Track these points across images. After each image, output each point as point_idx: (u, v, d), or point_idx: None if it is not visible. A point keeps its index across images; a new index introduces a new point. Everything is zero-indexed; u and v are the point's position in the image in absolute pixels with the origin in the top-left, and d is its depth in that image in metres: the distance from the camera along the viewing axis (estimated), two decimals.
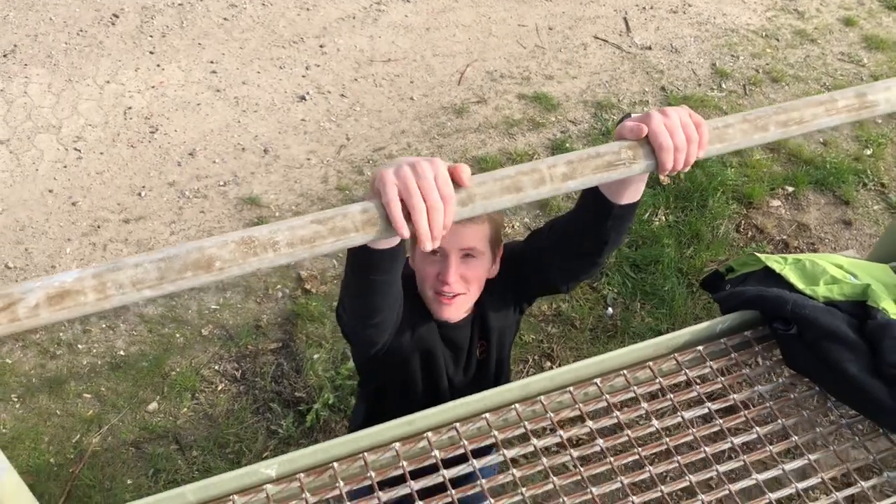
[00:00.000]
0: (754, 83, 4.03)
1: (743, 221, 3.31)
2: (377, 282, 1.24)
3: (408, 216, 0.88)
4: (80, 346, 2.76)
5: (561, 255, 1.42)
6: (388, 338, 1.43)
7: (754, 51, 4.25)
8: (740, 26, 4.42)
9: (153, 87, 3.74)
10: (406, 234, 0.89)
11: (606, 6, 4.46)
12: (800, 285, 1.30)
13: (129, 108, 3.62)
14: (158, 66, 3.85)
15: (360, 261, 1.20)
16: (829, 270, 1.29)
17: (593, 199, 1.26)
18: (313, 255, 0.87)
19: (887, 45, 4.32)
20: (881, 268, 1.37)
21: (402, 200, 0.88)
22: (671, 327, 2.89)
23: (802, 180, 3.45)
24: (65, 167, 3.34)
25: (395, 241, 1.14)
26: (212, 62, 3.90)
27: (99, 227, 3.12)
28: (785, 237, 3.26)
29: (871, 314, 1.22)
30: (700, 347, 1.28)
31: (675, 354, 1.26)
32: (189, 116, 3.61)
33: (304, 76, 3.87)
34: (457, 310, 1.48)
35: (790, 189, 3.45)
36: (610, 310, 2.96)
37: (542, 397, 1.20)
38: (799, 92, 3.99)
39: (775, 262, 1.35)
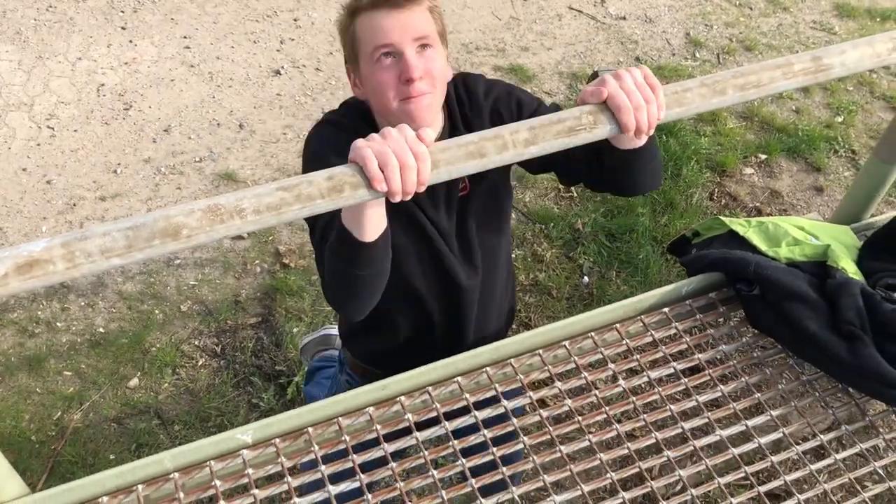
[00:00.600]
0: (728, 52, 4.05)
1: (716, 189, 3.35)
2: (363, 275, 1.19)
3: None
4: (58, 323, 2.76)
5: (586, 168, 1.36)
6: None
7: (728, 20, 4.27)
8: None
9: (126, 63, 3.70)
10: (382, 187, 0.93)
11: None
12: (763, 247, 1.33)
13: (102, 84, 3.59)
14: (131, 41, 3.81)
15: (348, 255, 1.15)
16: (791, 232, 1.33)
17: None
18: (280, 222, 0.89)
19: (858, 13, 4.35)
20: (842, 229, 1.40)
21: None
22: None
23: (775, 148, 3.49)
24: (38, 145, 3.31)
25: (380, 227, 1.12)
26: (185, 37, 3.86)
27: (75, 205, 3.11)
28: (758, 204, 3.30)
29: (831, 273, 1.26)
30: (666, 309, 1.31)
31: (642, 316, 1.30)
32: (163, 93, 3.59)
33: (278, 50, 3.85)
34: (427, 109, 1.28)
35: (763, 157, 3.49)
36: (586, 279, 3.00)
37: (513, 360, 1.23)
38: None
39: (739, 225, 1.38)
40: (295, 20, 4.02)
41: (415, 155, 0.95)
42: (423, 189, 0.97)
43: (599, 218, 3.17)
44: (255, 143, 3.41)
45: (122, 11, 3.95)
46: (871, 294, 1.21)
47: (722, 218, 1.41)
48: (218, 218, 0.84)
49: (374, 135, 0.98)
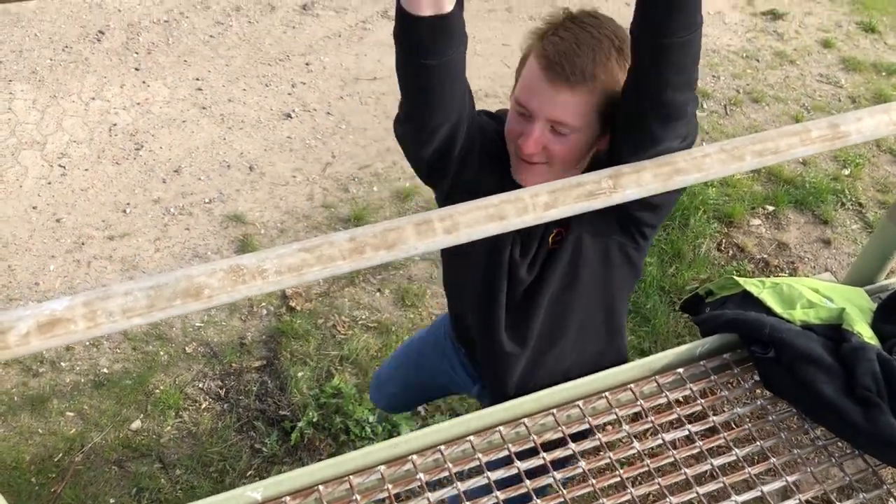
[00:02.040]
0: (735, 103, 4.09)
1: (724, 240, 3.35)
2: (430, 67, 1.11)
3: None
4: (63, 363, 2.75)
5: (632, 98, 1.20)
6: (449, 159, 1.27)
7: (735, 71, 4.32)
8: (721, 47, 4.48)
9: (138, 103, 3.74)
10: None
11: None
12: (777, 309, 1.33)
13: (115, 124, 3.62)
14: (144, 82, 3.86)
15: (408, 39, 1.09)
16: (806, 294, 1.32)
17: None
18: (301, 283, 0.89)
19: (864, 67, 4.40)
20: (856, 291, 1.40)
21: None
22: (654, 345, 2.92)
23: (782, 200, 3.51)
24: (49, 184, 3.34)
25: (443, 7, 1.04)
26: (197, 79, 3.91)
27: (83, 243, 3.12)
28: (765, 256, 3.30)
29: (846, 337, 1.25)
30: (680, 370, 1.30)
31: (656, 377, 1.29)
32: (174, 133, 3.62)
33: (290, 94, 3.89)
34: (534, 177, 1.28)
35: (770, 208, 3.50)
36: None
37: (526, 419, 1.22)
38: (779, 112, 4.06)
39: (753, 285, 1.38)
40: (307, 64, 4.07)
41: None
42: None
43: None
44: (264, 186, 3.43)
45: (137, 53, 4.00)
46: (888, 360, 1.20)
47: (736, 278, 1.41)
48: (240, 279, 0.84)
49: None
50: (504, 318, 1.46)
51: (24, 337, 0.77)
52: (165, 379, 2.74)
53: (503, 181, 1.33)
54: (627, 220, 1.35)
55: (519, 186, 1.29)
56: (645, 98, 1.15)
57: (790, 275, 3.23)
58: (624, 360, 1.61)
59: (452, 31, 1.09)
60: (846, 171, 3.71)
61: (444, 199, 1.39)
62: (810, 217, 3.50)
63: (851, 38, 4.67)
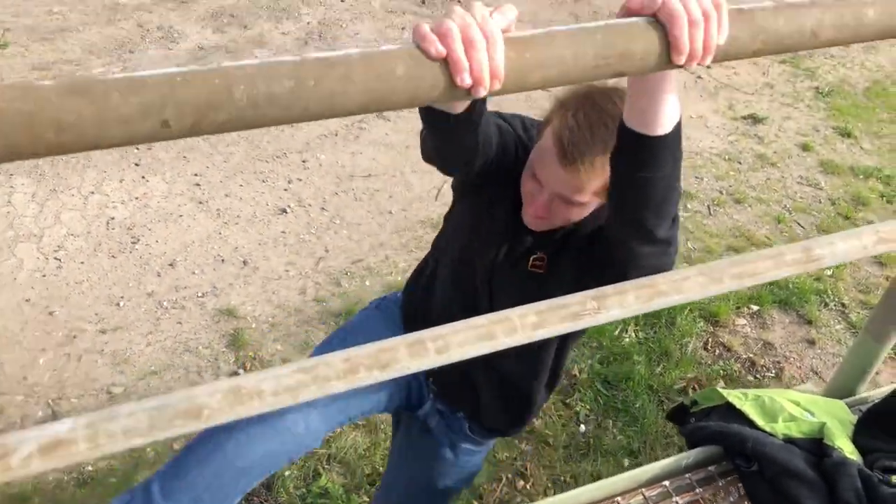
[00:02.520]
0: (718, 204, 4.20)
1: (710, 339, 3.39)
2: (460, 135, 1.21)
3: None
4: None
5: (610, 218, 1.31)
6: (475, 167, 1.36)
7: (718, 173, 4.46)
8: (704, 149, 4.64)
9: (137, 198, 3.82)
10: (439, 51, 0.73)
11: None
12: (760, 421, 1.36)
13: (112, 218, 3.69)
14: (143, 177, 3.95)
15: (436, 124, 1.17)
16: (787, 408, 1.36)
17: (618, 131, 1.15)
18: (297, 402, 0.92)
19: (842, 170, 4.55)
20: (837, 404, 1.43)
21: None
22: (643, 445, 2.92)
23: (766, 300, 3.57)
24: (44, 276, 3.37)
25: (460, 104, 1.11)
26: (196, 175, 4.00)
27: (75, 336, 3.12)
28: (751, 355, 3.34)
29: (828, 453, 1.28)
30: (666, 482, 1.32)
31: (643, 489, 1.30)
32: (171, 227, 3.68)
33: (286, 189, 3.99)
34: (538, 226, 1.42)
35: (755, 308, 3.56)
36: (583, 427, 2.99)
37: None
38: (761, 213, 4.17)
39: (736, 397, 1.41)
40: (303, 161, 4.18)
41: (484, 34, 0.75)
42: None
43: (596, 364, 3.20)
44: (257, 280, 3.47)
45: (137, 148, 4.11)
46: (869, 476, 1.23)
47: (720, 389, 1.44)
48: (238, 399, 0.87)
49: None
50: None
51: (26, 459, 0.79)
52: None
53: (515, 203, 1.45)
54: (616, 272, 1.34)
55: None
56: (626, 227, 1.24)
57: (776, 374, 3.26)
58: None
59: (483, 110, 1.18)
60: (829, 272, 3.80)
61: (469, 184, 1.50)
62: (794, 317, 3.56)
63: (829, 142, 4.85)
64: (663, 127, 1.08)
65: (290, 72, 0.65)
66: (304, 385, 0.91)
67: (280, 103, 0.64)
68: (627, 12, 0.86)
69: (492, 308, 1.49)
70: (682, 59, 0.83)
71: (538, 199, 1.36)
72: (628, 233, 1.23)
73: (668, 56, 0.84)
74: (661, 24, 0.83)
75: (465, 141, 1.24)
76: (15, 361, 3.01)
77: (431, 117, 1.17)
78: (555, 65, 0.75)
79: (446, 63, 0.75)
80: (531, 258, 1.49)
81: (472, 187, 1.51)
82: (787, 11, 0.87)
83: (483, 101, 1.18)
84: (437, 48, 0.73)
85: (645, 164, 1.12)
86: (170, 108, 0.60)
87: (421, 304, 1.72)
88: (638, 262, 1.25)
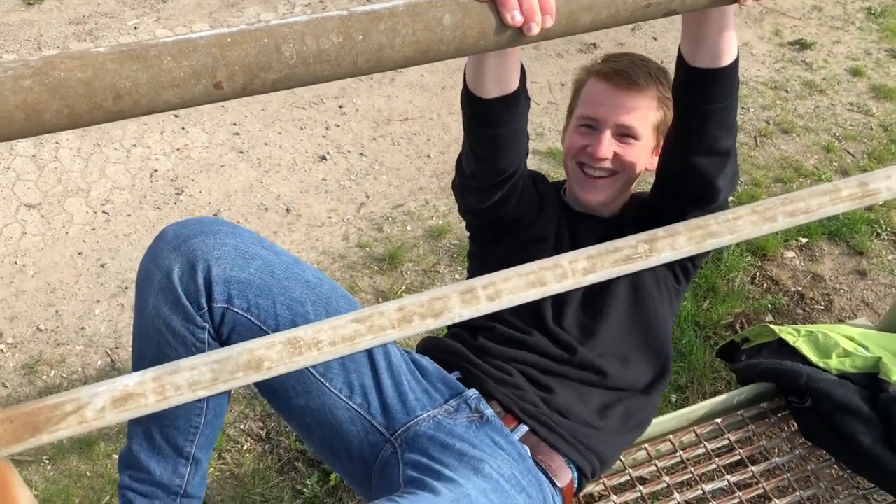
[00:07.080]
0: (765, 135, 4.10)
1: (758, 273, 3.35)
2: (500, 135, 1.21)
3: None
4: None
5: (672, 154, 1.27)
6: (502, 200, 1.33)
7: (764, 102, 4.34)
8: (750, 78, 4.50)
9: (178, 149, 3.86)
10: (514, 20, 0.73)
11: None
12: (813, 358, 1.34)
13: (155, 170, 3.74)
14: (183, 128, 3.98)
15: (477, 116, 1.19)
16: (841, 343, 1.34)
17: (678, 66, 1.16)
18: (354, 352, 0.94)
19: (894, 94, 4.39)
20: (892, 338, 1.41)
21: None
22: (690, 381, 2.92)
23: (815, 231, 3.50)
24: (93, 230, 3.45)
25: (509, 87, 1.15)
26: (235, 124, 4.02)
27: (127, 288, 3.21)
28: (800, 288, 3.29)
29: (883, 387, 1.27)
30: (718, 420, 1.32)
31: (695, 427, 1.31)
32: (213, 178, 3.72)
33: (324, 136, 3.99)
34: (596, 192, 1.35)
35: (804, 240, 3.50)
36: None
37: None
38: (809, 142, 4.06)
39: (789, 333, 1.40)
40: (340, 107, 4.17)
41: None
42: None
43: None
44: (301, 227, 3.51)
45: None
46: None
47: (772, 326, 1.43)
48: (297, 350, 0.89)
49: None
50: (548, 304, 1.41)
51: (99, 412, 0.82)
52: None
53: (560, 217, 1.42)
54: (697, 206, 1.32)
55: (575, 215, 1.39)
56: (693, 150, 1.22)
57: (826, 307, 3.22)
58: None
59: (519, 103, 1.21)
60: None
61: (489, 234, 1.44)
62: (845, 248, 3.49)
63: (881, 65, 4.67)
64: (731, 55, 1.11)
65: (337, 27, 0.65)
66: (360, 334, 0.92)
67: (329, 59, 0.64)
68: None
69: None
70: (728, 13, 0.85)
71: (601, 141, 1.33)
72: (706, 162, 1.22)
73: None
74: None
75: (520, 131, 1.25)
76: (72, 313, 3.11)
77: (480, 118, 1.19)
78: (606, 5, 0.73)
79: (494, 6, 0.74)
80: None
81: (506, 224, 1.41)
82: None
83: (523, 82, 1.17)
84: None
85: (712, 97, 1.14)
86: (221, 69, 0.60)
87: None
88: (715, 180, 1.24)
